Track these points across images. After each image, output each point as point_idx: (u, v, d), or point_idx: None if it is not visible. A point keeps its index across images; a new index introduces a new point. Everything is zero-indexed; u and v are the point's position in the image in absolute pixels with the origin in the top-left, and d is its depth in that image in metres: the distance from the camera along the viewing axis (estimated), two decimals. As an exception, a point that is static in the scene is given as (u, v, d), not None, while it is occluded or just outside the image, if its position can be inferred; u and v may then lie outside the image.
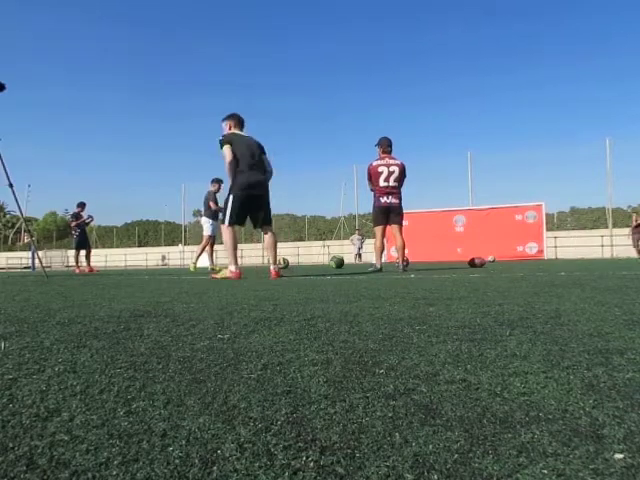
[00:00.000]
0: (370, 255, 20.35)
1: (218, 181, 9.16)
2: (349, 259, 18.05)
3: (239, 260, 5.76)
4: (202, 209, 9.56)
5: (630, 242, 16.02)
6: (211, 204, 8.99)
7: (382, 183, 6.45)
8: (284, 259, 9.40)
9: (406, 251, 6.68)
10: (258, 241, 26.61)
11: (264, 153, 5.14)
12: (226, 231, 4.90)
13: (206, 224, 9.25)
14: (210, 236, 9.21)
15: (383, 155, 6.59)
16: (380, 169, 6.46)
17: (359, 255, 21.54)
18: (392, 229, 6.65)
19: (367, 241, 22.33)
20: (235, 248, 4.98)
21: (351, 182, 25.11)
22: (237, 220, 4.89)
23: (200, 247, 9.39)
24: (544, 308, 1.73)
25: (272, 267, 4.96)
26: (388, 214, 6.58)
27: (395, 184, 6.48)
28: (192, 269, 9.25)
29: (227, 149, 4.93)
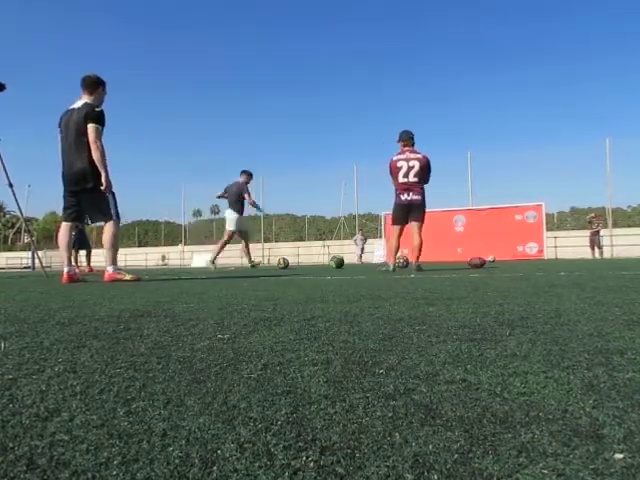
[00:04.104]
0: (370, 256, 20.41)
1: (250, 174, 8.99)
2: (349, 259, 18.01)
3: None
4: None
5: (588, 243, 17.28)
6: (246, 196, 8.67)
7: (401, 179, 6.08)
8: (284, 259, 9.36)
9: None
10: (258, 241, 26.58)
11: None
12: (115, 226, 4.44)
13: (231, 218, 8.81)
14: (233, 232, 8.83)
15: (404, 149, 6.18)
16: (399, 164, 6.09)
17: (360, 256, 21.48)
18: (411, 227, 6.19)
19: (367, 241, 22.35)
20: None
21: (351, 182, 25.06)
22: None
23: (221, 243, 8.89)
24: (544, 308, 1.73)
25: (66, 269, 4.39)
26: (408, 212, 6.15)
27: (415, 179, 6.06)
28: (213, 268, 8.78)
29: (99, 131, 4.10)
